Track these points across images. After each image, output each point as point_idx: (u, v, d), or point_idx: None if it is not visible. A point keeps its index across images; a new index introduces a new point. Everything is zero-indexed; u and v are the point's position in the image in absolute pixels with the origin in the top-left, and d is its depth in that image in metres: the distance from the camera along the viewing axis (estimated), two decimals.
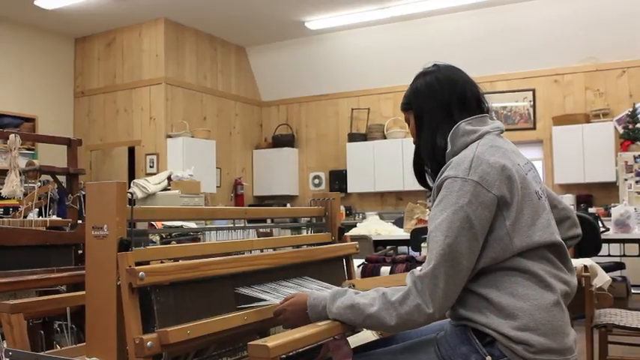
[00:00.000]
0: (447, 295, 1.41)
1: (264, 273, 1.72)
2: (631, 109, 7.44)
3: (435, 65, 1.70)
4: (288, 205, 9.78)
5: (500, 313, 1.42)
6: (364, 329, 1.86)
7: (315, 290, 1.66)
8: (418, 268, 1.46)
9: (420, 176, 1.73)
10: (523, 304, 1.42)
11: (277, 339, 1.32)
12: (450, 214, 1.42)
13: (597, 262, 3.36)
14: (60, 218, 3.29)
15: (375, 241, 5.85)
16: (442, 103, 1.62)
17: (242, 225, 1.91)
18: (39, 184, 3.29)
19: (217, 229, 2.08)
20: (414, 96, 1.68)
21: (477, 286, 1.46)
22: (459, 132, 1.57)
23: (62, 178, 3.30)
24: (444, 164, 1.55)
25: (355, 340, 1.79)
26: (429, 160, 1.65)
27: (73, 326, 2.17)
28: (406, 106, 1.71)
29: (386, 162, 8.84)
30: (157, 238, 4.25)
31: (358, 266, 3.42)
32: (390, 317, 1.42)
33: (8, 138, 3.04)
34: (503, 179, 1.45)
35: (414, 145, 1.72)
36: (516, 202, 1.46)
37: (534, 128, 8.35)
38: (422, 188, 1.77)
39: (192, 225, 4.63)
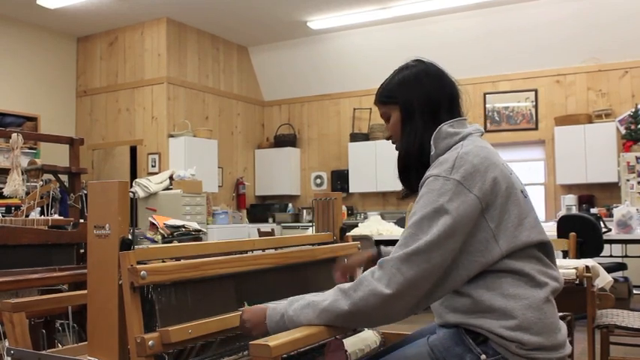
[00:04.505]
0: (412, 283, 1.37)
1: (266, 273, 1.72)
2: (633, 110, 7.43)
3: (417, 60, 1.63)
4: (290, 204, 9.80)
5: (492, 314, 1.42)
6: (366, 329, 1.87)
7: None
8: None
9: (407, 180, 1.62)
10: (515, 304, 1.41)
11: (279, 338, 1.32)
12: (430, 212, 1.40)
13: (599, 263, 3.35)
14: (62, 217, 3.29)
15: (376, 241, 5.86)
16: (431, 99, 1.56)
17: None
18: (41, 183, 3.29)
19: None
20: (400, 88, 1.59)
21: (466, 288, 1.45)
22: (441, 134, 1.53)
23: (64, 177, 3.31)
24: (428, 166, 1.52)
25: (356, 340, 1.79)
26: (414, 162, 1.58)
27: (75, 325, 2.17)
28: (388, 99, 1.62)
29: (388, 162, 8.67)
30: (158, 237, 4.25)
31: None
32: (343, 303, 1.40)
33: (10, 137, 3.05)
34: (486, 180, 1.43)
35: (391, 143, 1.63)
36: (500, 203, 1.43)
37: (536, 128, 8.35)
38: None
39: (194, 225, 4.64)
